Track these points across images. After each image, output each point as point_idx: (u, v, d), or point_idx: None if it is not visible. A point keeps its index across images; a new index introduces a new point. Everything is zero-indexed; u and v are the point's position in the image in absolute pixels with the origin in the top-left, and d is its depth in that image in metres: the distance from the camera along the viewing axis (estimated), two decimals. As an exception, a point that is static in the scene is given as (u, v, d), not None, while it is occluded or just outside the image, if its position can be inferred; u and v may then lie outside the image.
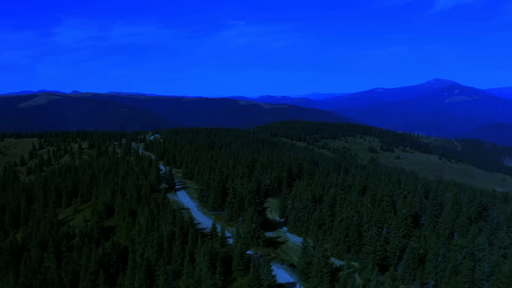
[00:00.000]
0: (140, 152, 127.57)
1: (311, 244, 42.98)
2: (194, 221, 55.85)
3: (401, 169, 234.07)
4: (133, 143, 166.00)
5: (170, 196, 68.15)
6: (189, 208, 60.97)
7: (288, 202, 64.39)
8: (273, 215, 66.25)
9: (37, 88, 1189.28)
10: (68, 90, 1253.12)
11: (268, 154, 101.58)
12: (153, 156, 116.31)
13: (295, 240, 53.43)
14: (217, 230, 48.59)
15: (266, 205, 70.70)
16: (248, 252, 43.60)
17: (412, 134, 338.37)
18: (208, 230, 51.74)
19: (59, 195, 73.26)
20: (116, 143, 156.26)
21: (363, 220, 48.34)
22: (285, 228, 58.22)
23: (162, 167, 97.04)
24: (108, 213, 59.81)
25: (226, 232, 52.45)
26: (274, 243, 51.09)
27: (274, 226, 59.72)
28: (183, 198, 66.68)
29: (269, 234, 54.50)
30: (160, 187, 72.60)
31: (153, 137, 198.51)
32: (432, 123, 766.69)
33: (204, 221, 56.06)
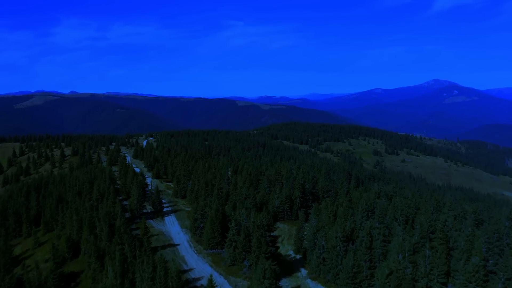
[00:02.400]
0: (128, 161, 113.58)
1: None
2: (185, 267, 42.09)
3: (408, 173, 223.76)
4: (123, 148, 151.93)
5: (156, 224, 54.21)
6: (179, 245, 47.06)
7: (305, 233, 50.83)
8: (286, 248, 52.60)
9: (35, 89, 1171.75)
10: (66, 91, 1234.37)
11: (275, 166, 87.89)
12: (140, 167, 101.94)
13: (320, 292, 39.84)
14: (215, 285, 34.84)
15: (275, 232, 57.18)
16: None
17: (415, 136, 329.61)
18: (202, 282, 38.00)
19: (20, 221, 59.21)
20: (103, 148, 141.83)
21: (419, 272, 34.93)
22: (304, 272, 44.56)
23: (150, 180, 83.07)
24: (73, 252, 45.90)
25: (227, 284, 38.74)
26: (293, 301, 37.45)
27: (289, 267, 46.06)
28: (172, 227, 52.76)
29: (284, 283, 40.84)
30: (145, 211, 58.71)
31: (146, 141, 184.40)
32: (431, 124, 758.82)
33: (198, 266, 42.21)
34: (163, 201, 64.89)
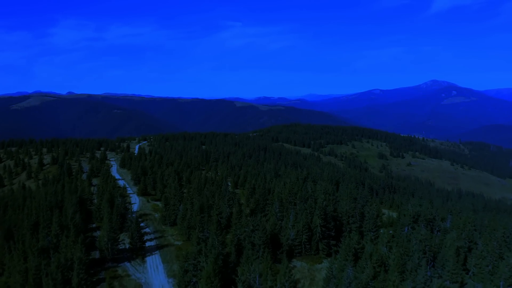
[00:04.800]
0: (114, 171, 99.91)
1: None
2: None
3: (415, 177, 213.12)
4: (112, 155, 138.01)
5: (134, 269, 40.41)
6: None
7: (334, 279, 37.61)
8: (308, 300, 39.31)
9: (32, 89, 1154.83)
10: (63, 91, 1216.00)
11: (282, 177, 74.47)
12: (126, 180, 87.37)
13: None
14: None
15: (293, 273, 43.80)
16: None
17: (418, 137, 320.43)
18: None
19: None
20: (88, 155, 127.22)
21: None
22: None
23: (134, 198, 69.52)
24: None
25: None
26: None
27: (318, 336, 32.83)
28: (155, 276, 38.93)
29: None
30: (122, 246, 45.01)
31: (138, 145, 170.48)
32: (430, 125, 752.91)
33: None
34: (147, 230, 51.22)
